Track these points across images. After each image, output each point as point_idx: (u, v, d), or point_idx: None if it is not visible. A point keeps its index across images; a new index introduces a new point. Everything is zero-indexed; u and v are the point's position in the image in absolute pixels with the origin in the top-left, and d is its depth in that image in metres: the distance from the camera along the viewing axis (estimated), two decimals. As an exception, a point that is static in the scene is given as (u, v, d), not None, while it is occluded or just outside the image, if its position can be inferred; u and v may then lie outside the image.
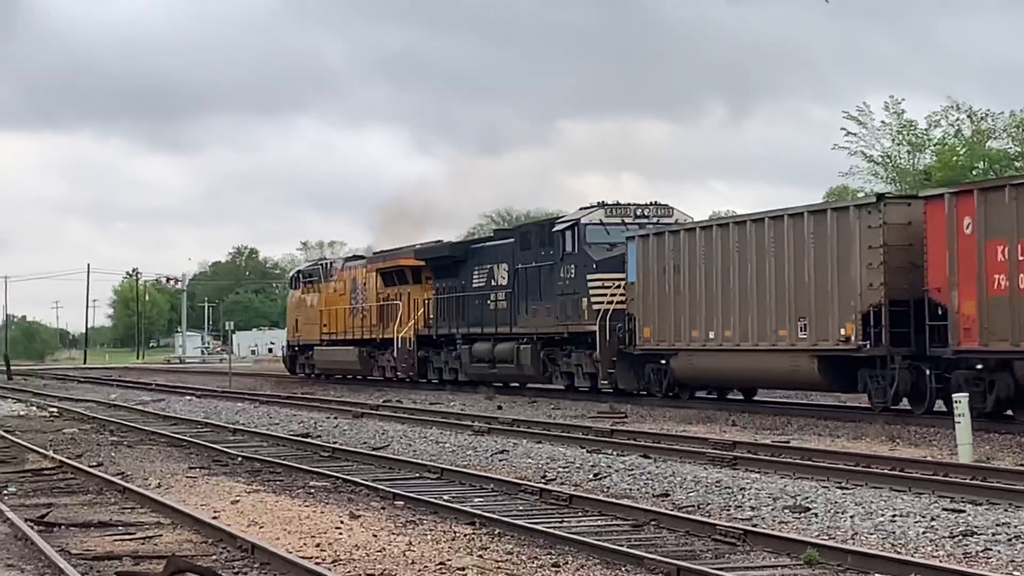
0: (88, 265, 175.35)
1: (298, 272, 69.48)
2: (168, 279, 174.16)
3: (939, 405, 29.13)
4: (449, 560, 13.78)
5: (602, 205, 42.19)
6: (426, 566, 13.49)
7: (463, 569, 13.26)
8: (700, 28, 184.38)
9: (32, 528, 16.24)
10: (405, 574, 13.05)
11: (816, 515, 16.54)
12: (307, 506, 18.43)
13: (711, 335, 35.43)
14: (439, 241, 55.41)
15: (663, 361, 37.75)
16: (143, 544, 15.45)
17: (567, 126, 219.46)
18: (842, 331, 30.64)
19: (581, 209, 42.84)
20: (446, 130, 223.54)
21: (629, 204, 42.53)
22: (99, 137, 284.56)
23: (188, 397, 50.49)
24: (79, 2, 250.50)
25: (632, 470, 21.63)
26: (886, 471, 20.41)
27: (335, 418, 35.76)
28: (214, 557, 14.29)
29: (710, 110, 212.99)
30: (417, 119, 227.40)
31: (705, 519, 16.07)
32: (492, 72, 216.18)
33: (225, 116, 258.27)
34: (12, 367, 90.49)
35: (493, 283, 46.93)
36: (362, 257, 63.09)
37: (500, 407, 39.12)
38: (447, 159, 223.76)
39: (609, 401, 38.57)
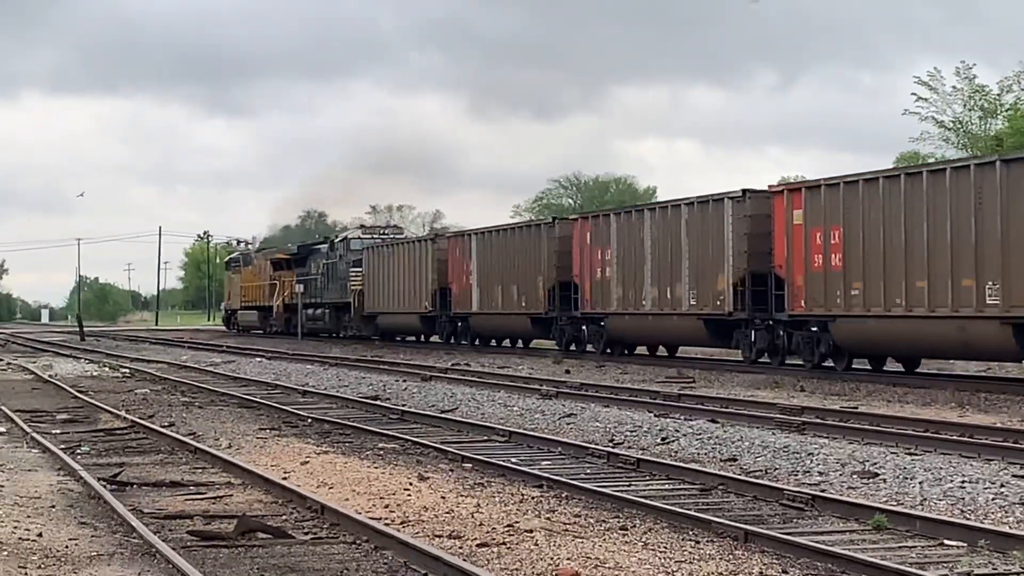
0: (160, 228, 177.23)
1: (229, 258, 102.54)
2: (239, 241, 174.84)
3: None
4: (517, 522, 13.85)
5: (361, 227, 79.42)
6: (494, 528, 13.55)
7: (531, 531, 13.31)
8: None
9: (105, 487, 16.42)
10: (473, 535, 13.12)
11: (884, 481, 16.49)
12: (376, 468, 18.55)
13: (389, 305, 64.05)
14: (303, 243, 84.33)
15: (384, 322, 66.31)
16: (214, 504, 15.60)
17: (619, 92, 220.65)
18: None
19: (353, 229, 77.73)
20: (499, 96, 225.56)
21: (376, 226, 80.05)
22: (157, 101, 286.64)
23: (258, 359, 50.84)
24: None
25: (699, 435, 21.64)
26: (955, 437, 20.33)
27: (404, 381, 35.91)
28: (284, 517, 14.40)
29: (759, 76, 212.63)
30: (470, 85, 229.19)
31: (773, 484, 16.06)
32: (539, 39, 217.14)
33: (278, 81, 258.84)
34: (85, 328, 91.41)
35: (317, 272, 74.38)
36: (266, 249, 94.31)
37: (568, 371, 39.20)
38: (501, 124, 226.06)
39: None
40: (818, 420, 23.13)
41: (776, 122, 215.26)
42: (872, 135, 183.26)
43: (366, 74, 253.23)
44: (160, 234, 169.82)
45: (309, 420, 25.43)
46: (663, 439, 21.42)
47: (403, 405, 28.29)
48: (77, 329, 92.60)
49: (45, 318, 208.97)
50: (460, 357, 48.76)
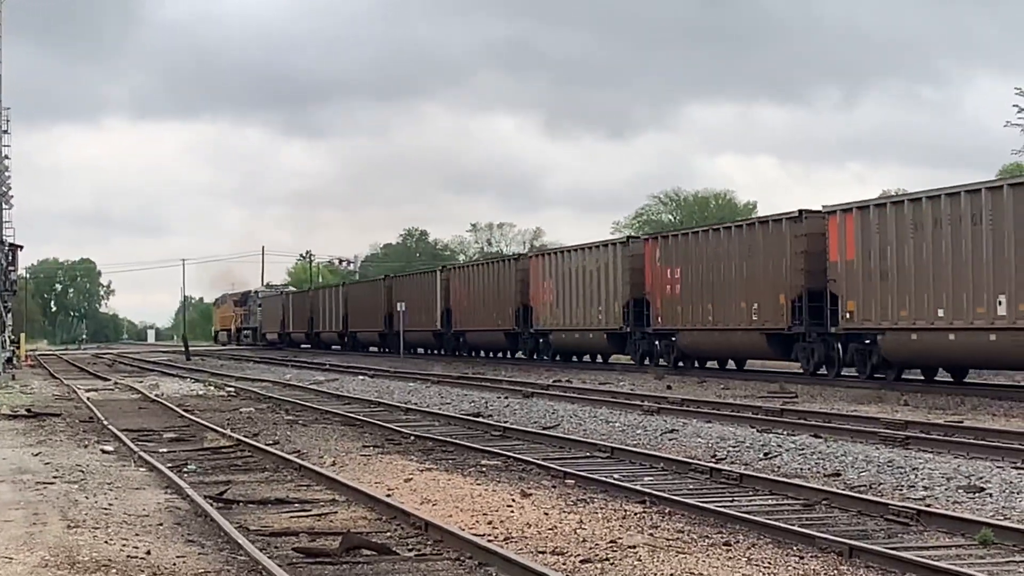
0: (263, 248, 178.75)
1: (215, 300, 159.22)
2: (341, 260, 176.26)
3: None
4: (620, 538, 13.85)
5: (267, 286, 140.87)
6: (597, 544, 13.56)
7: (634, 547, 13.31)
8: (796, 14, 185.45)
9: (211, 505, 16.58)
10: (576, 552, 13.13)
11: (991, 495, 16.34)
12: (479, 484, 18.60)
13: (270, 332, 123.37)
14: (246, 291, 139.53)
15: (268, 338, 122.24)
16: (319, 521, 15.70)
17: (689, 110, 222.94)
18: None
19: (262, 287, 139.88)
20: (572, 115, 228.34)
21: (278, 285, 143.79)
22: (235, 125, 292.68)
23: (361, 377, 51.13)
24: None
25: (803, 450, 21.53)
26: (1063, 451, 20.10)
27: (506, 398, 35.98)
28: (388, 534, 14.47)
29: (822, 93, 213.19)
30: (541, 105, 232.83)
31: (877, 499, 15.95)
32: (604, 59, 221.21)
33: (352, 103, 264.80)
34: (190, 347, 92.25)
35: (250, 309, 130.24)
36: (231, 294, 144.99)
37: (670, 387, 39.11)
38: (577, 142, 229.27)
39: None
40: (923, 435, 22.94)
41: (847, 138, 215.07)
42: (947, 148, 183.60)
43: (438, 95, 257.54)
44: (263, 254, 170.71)
45: (412, 437, 25.55)
46: (766, 454, 21.34)
47: (505, 422, 28.36)
48: (183, 349, 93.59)
49: (151, 338, 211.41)
50: (562, 374, 48.79)
